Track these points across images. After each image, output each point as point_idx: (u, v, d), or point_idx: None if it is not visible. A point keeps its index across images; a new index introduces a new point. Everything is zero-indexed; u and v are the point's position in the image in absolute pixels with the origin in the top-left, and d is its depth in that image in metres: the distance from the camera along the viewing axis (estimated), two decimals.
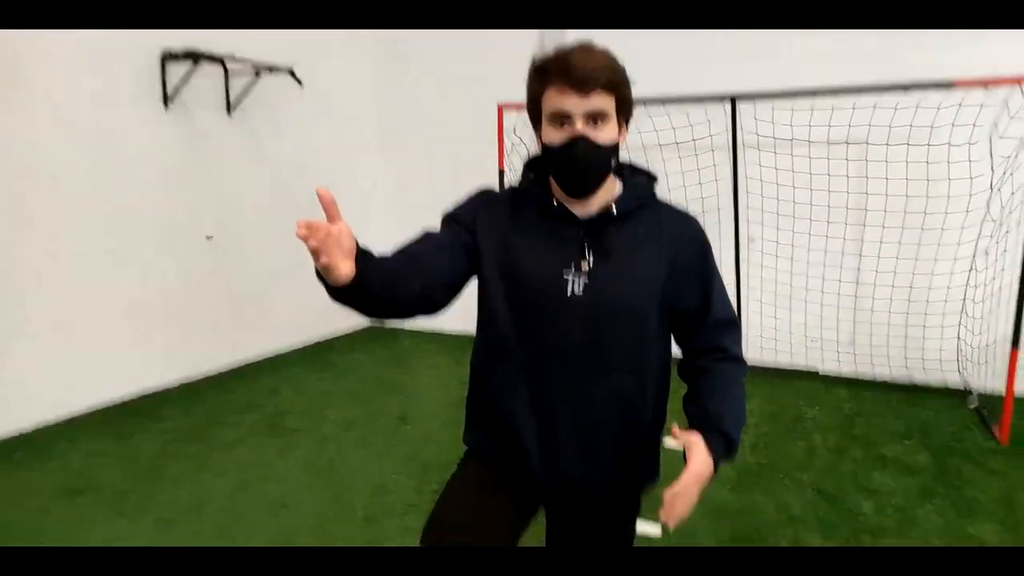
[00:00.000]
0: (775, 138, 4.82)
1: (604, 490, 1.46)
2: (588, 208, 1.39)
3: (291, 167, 5.62)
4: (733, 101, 4.67)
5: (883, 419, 4.16)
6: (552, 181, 1.41)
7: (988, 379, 4.39)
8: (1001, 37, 4.34)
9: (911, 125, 4.41)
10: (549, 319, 1.36)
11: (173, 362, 4.77)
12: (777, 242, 5.01)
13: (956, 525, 2.90)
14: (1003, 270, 4.27)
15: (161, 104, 4.54)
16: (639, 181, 1.45)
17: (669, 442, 1.34)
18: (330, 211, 1.15)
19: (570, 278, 1.35)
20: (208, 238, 4.96)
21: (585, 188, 1.36)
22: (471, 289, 1.46)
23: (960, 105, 4.21)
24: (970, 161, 4.31)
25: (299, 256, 6.37)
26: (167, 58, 4.46)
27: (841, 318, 4.96)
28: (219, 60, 4.63)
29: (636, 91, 1.39)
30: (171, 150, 4.65)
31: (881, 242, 4.74)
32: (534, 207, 1.43)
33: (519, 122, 5.25)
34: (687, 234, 1.43)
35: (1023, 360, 3.81)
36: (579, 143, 1.30)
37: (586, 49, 1.31)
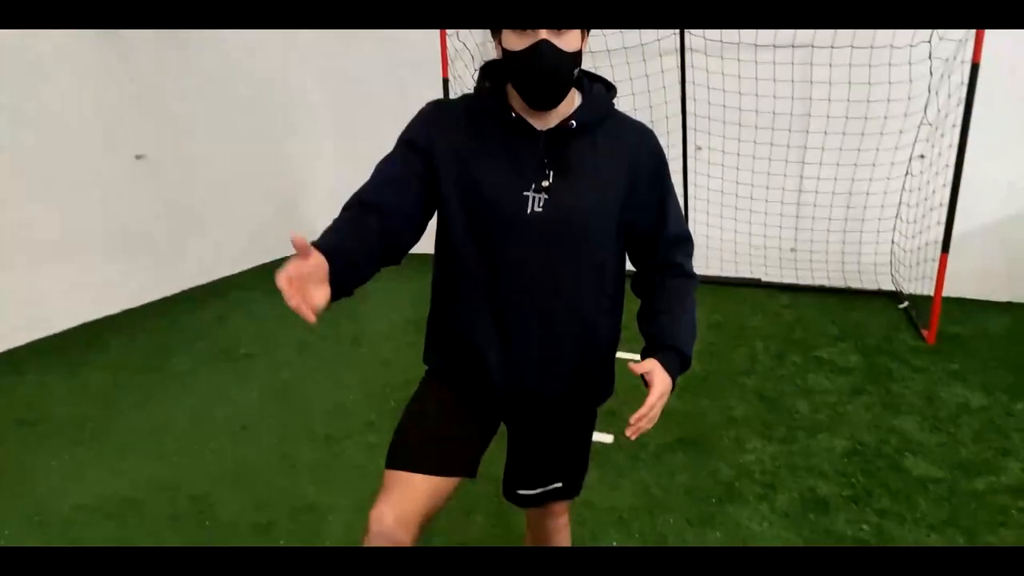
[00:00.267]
0: (722, 42, 4.77)
1: (564, 403, 1.51)
2: (547, 120, 1.35)
3: (225, 81, 5.34)
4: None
5: (820, 324, 4.36)
6: (510, 91, 1.36)
7: (919, 282, 4.62)
8: None
9: None
10: (508, 236, 1.35)
11: (113, 291, 4.64)
12: (723, 151, 5.05)
13: (882, 419, 3.12)
14: (937, 174, 4.42)
15: None
16: (598, 92, 1.41)
17: (634, 367, 1.37)
18: (305, 253, 1.15)
19: (530, 195, 1.34)
20: (138, 157, 4.73)
21: (550, 98, 1.31)
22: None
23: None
24: (910, 64, 4.37)
25: (238, 170, 6.15)
26: None
27: (784, 226, 5.10)
28: None
29: None
30: (90, 63, 4.34)
31: (823, 148, 4.83)
32: (491, 119, 1.37)
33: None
34: (645, 150, 1.42)
35: (952, 263, 4.01)
36: (543, 46, 1.23)
37: None
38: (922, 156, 4.59)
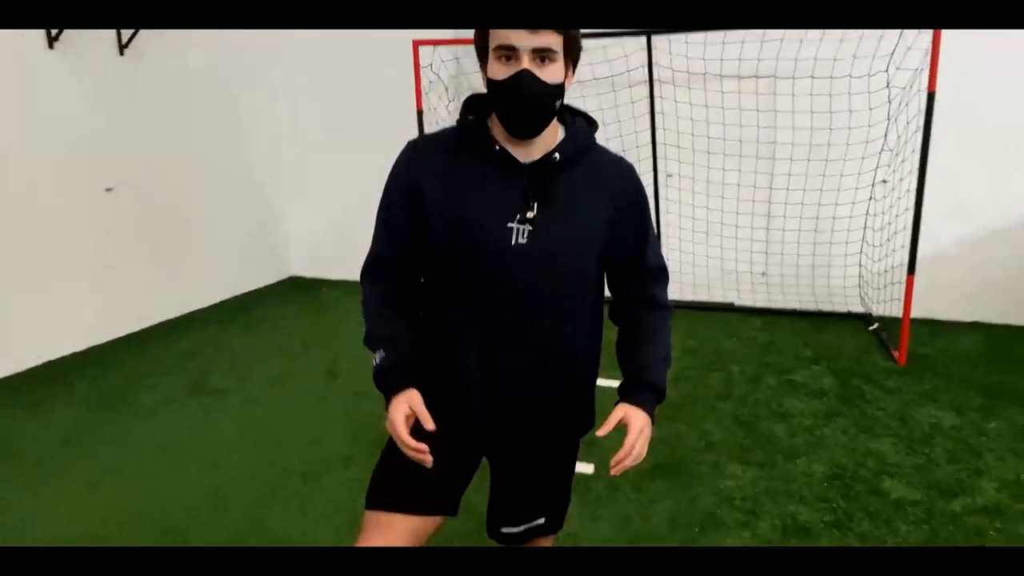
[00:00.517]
0: (689, 72, 4.88)
1: (547, 432, 1.52)
2: (530, 153, 1.38)
3: (196, 109, 5.29)
4: (648, 36, 4.69)
5: (793, 347, 4.41)
6: (494, 123, 1.39)
7: (887, 304, 4.71)
8: None
9: (815, 58, 4.55)
10: (493, 267, 1.37)
11: (80, 326, 4.52)
12: (693, 178, 5.13)
13: (858, 441, 3.15)
14: (899, 199, 4.54)
15: (45, 44, 4.15)
16: (581, 126, 1.45)
17: (609, 421, 1.39)
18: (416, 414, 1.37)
19: (514, 226, 1.36)
20: (108, 190, 4.65)
21: (530, 127, 1.34)
22: None
23: (861, 37, 4.36)
24: (869, 93, 4.50)
25: (211, 205, 6.06)
26: None
27: (754, 251, 5.18)
28: None
29: None
30: (59, 95, 4.28)
31: (789, 174, 4.93)
32: (475, 151, 1.40)
33: (435, 59, 5.12)
34: (626, 183, 1.47)
35: (919, 284, 4.10)
36: (524, 75, 1.27)
37: None
38: (884, 181, 4.71)
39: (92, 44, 4.42)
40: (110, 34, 4.54)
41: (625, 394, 1.43)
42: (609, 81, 4.95)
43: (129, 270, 4.84)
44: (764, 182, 5.05)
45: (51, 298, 4.32)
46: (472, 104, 1.44)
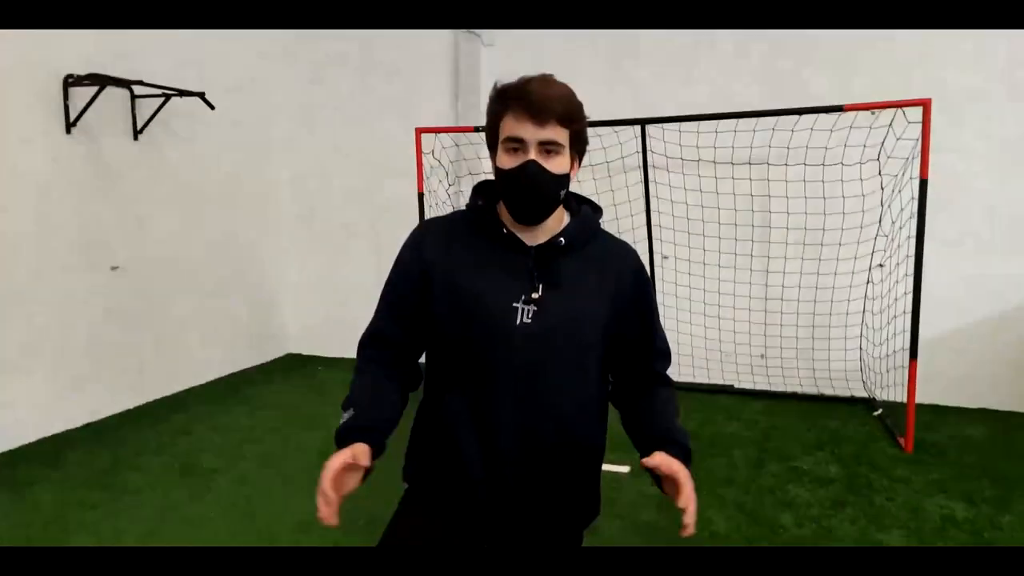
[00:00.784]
0: (683, 159, 5.00)
1: (550, 518, 1.47)
2: (537, 237, 1.43)
3: (202, 193, 5.40)
4: (643, 125, 4.84)
5: (796, 431, 4.33)
6: (501, 209, 1.44)
7: (890, 388, 4.65)
8: (886, 66, 4.66)
9: (807, 146, 4.67)
10: (496, 347, 1.38)
11: (73, 403, 4.46)
12: (689, 260, 5.18)
13: (867, 533, 3.05)
14: (897, 283, 4.56)
15: (63, 129, 4.28)
16: (586, 212, 1.50)
17: (651, 461, 1.32)
18: (359, 460, 1.30)
19: (519, 306, 1.38)
20: (113, 269, 4.69)
21: (534, 213, 1.39)
22: None
23: (851, 127, 4.49)
24: (861, 180, 4.60)
25: (210, 287, 6.09)
26: (70, 82, 4.21)
27: (753, 333, 5.17)
28: (126, 84, 4.41)
29: None
30: (73, 177, 4.38)
31: (785, 258, 4.98)
32: (482, 233, 1.44)
33: (436, 145, 5.26)
34: (629, 267, 1.51)
35: (922, 369, 4.06)
36: (530, 165, 1.33)
37: (546, 81, 1.35)
38: (881, 265, 4.74)
39: (107, 129, 4.57)
40: (126, 120, 4.70)
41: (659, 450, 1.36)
42: (604, 167, 5.08)
43: (126, 347, 4.82)
44: (760, 265, 5.09)
45: (44, 376, 4.28)
46: (481, 190, 1.49)
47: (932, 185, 3.87)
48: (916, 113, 3.91)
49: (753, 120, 4.52)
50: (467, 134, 5.15)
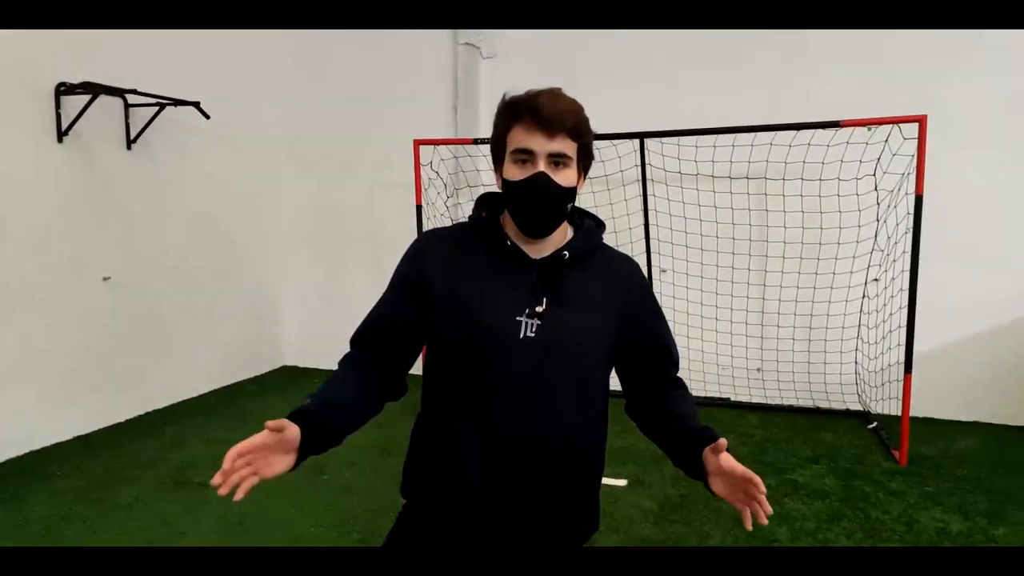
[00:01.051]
0: (681, 173, 5.02)
1: (550, 529, 1.47)
2: (541, 250, 1.42)
3: (196, 203, 5.38)
4: (642, 139, 4.85)
5: (792, 445, 4.33)
6: (506, 221, 1.44)
7: (885, 402, 4.66)
8: (883, 82, 4.70)
9: (804, 161, 4.69)
10: (500, 360, 1.37)
11: (65, 415, 4.42)
12: (687, 273, 5.19)
13: (862, 546, 3.03)
14: (892, 297, 4.57)
15: (55, 138, 4.26)
16: (589, 226, 1.50)
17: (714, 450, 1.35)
18: (278, 429, 1.25)
19: (523, 320, 1.37)
20: (106, 279, 4.67)
21: (542, 225, 1.39)
22: None
23: (847, 143, 4.51)
24: (857, 195, 4.62)
25: (204, 298, 6.05)
26: (62, 90, 4.20)
27: (749, 346, 5.17)
28: (119, 93, 4.40)
29: None
30: (65, 187, 4.35)
31: (782, 271, 4.99)
32: (486, 246, 1.43)
33: (435, 157, 5.27)
34: (631, 276, 1.52)
35: (916, 383, 4.07)
36: (540, 177, 1.33)
37: (555, 94, 1.35)
38: (876, 280, 4.76)
39: (100, 139, 4.55)
40: (119, 129, 4.68)
41: (701, 443, 1.37)
42: (603, 180, 5.09)
43: (119, 358, 4.79)
44: (757, 279, 5.10)
45: (37, 387, 4.25)
46: (484, 202, 1.49)
47: (927, 200, 3.89)
48: (912, 129, 3.94)
49: (751, 135, 4.55)
50: (466, 146, 5.16)
